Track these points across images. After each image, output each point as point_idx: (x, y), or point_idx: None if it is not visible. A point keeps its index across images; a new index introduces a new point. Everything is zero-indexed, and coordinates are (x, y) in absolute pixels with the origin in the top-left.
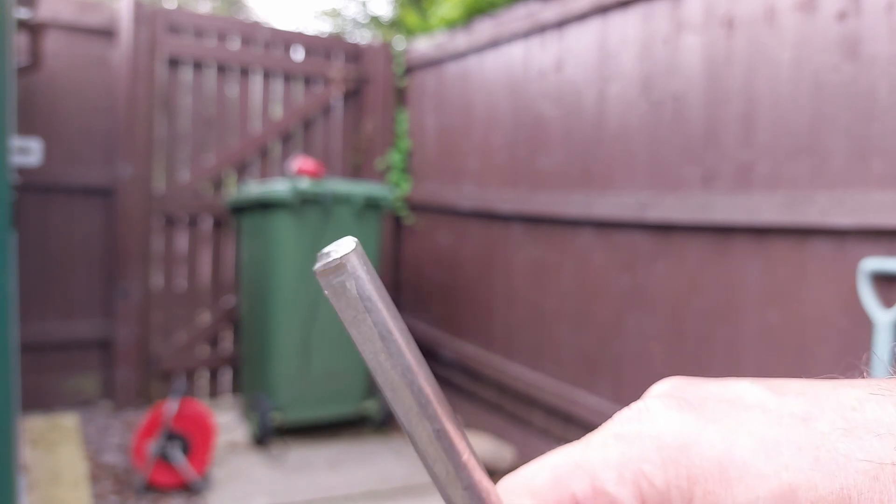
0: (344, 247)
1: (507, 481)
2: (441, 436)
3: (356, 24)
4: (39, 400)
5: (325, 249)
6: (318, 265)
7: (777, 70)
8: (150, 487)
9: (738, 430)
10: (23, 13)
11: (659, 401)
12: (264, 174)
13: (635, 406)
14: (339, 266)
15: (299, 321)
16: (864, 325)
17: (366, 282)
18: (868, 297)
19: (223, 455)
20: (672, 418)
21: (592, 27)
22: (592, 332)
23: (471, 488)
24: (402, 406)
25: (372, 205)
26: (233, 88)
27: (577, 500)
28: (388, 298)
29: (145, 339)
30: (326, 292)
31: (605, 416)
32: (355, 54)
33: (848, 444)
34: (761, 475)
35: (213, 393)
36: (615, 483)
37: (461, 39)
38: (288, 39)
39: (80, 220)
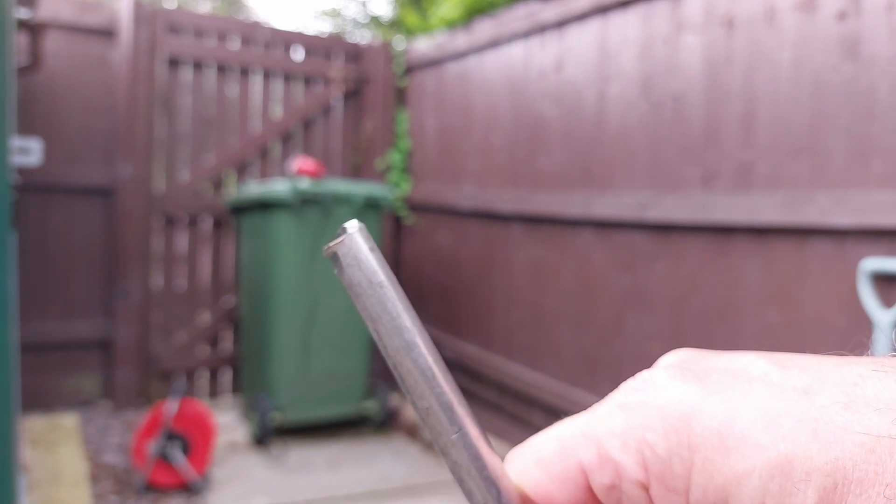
0: (349, 228)
1: (515, 452)
2: (444, 405)
3: (356, 24)
4: (39, 400)
5: (337, 233)
6: (326, 247)
7: (777, 70)
8: (150, 487)
9: (740, 401)
10: (23, 13)
11: (664, 371)
12: (264, 174)
13: (640, 376)
14: (344, 244)
15: (299, 321)
16: (864, 325)
17: (370, 259)
18: (868, 297)
19: (223, 455)
20: (675, 388)
21: (592, 27)
22: (592, 332)
23: (474, 455)
24: (407, 377)
25: (372, 205)
26: (233, 88)
27: (583, 467)
28: (392, 275)
29: (145, 339)
30: (335, 270)
31: None
32: (355, 54)
33: (846, 417)
34: (759, 446)
35: (213, 393)
36: (619, 450)
37: (461, 39)
38: (288, 39)
39: (80, 220)
